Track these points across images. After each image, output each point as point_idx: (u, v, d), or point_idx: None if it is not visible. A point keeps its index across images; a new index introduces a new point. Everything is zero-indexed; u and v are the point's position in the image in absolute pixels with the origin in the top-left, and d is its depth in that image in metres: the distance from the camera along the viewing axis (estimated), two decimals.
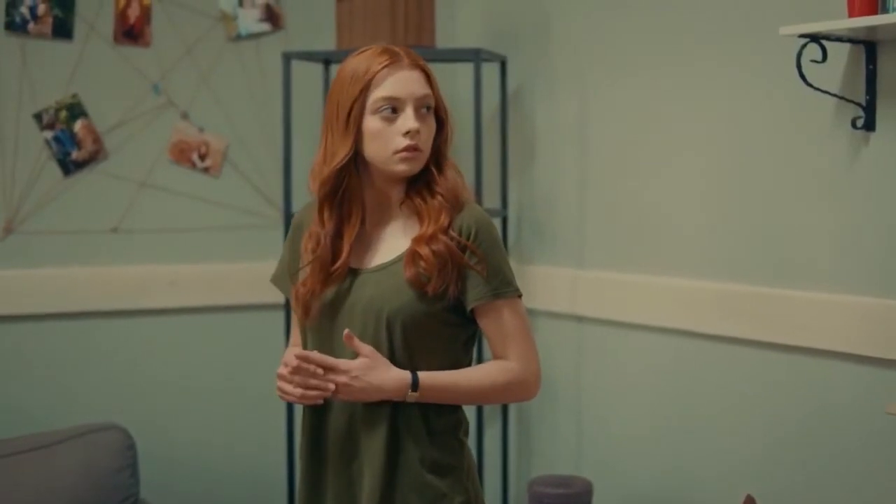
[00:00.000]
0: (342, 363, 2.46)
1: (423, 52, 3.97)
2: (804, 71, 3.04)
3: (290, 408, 4.03)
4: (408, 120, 2.48)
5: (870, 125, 3.05)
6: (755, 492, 3.19)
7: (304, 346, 2.62)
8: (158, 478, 4.04)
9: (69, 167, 4.09)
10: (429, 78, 2.55)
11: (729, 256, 3.49)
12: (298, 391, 2.47)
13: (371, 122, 2.49)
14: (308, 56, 4.08)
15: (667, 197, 3.69)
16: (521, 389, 2.62)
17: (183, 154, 4.24)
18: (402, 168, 2.51)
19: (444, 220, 2.52)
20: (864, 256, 3.12)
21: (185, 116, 4.24)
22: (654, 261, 3.74)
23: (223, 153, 4.29)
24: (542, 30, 4.14)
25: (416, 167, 2.53)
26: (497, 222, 4.15)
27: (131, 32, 4.15)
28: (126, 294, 4.18)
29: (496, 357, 2.59)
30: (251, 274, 4.19)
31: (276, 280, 2.76)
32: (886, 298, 3.04)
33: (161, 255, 4.23)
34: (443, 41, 4.26)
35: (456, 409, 2.61)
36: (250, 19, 4.29)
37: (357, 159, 2.53)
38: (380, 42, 3.82)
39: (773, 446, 3.37)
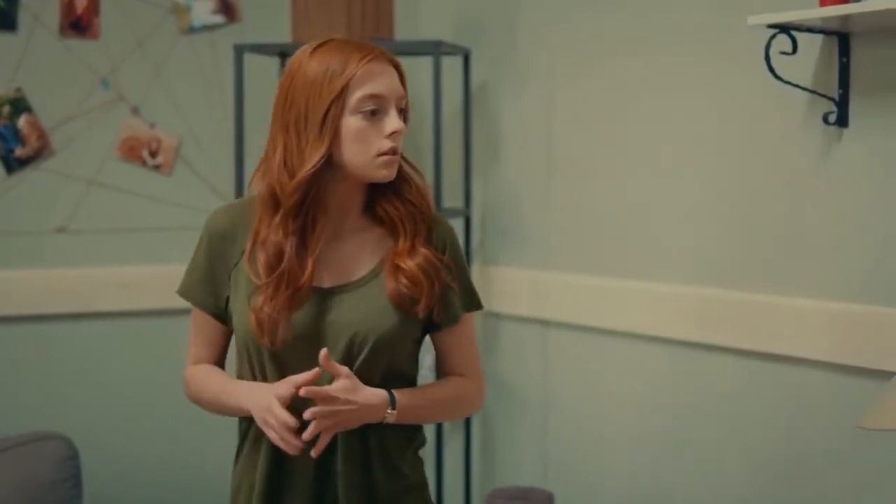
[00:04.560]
0: (332, 390, 2.25)
1: (380, 44, 3.83)
2: (773, 64, 2.93)
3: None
4: (392, 120, 2.31)
5: (842, 121, 2.94)
6: None
7: (253, 370, 2.39)
8: (104, 490, 3.91)
9: (12, 164, 3.96)
10: (402, 76, 2.38)
11: (697, 258, 3.38)
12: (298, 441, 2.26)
13: (352, 123, 2.29)
14: (261, 49, 3.93)
15: (634, 196, 3.59)
16: (474, 404, 2.57)
17: (133, 151, 4.10)
18: (382, 173, 2.32)
19: (422, 230, 2.39)
20: (837, 259, 3.00)
21: (135, 112, 4.11)
22: (621, 263, 3.64)
23: (175, 150, 4.15)
24: (508, 22, 4.02)
25: (394, 172, 2.35)
26: (460, 223, 4.07)
27: (78, 24, 4.01)
28: (73, 297, 4.05)
29: (448, 370, 2.50)
30: None
31: (189, 293, 2.47)
32: (860, 303, 2.93)
33: (110, 256, 4.10)
34: (405, 32, 4.12)
35: (421, 427, 2.50)
36: (204, 11, 4.16)
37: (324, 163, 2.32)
38: (337, 33, 3.73)
39: (745, 457, 3.25)
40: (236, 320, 2.39)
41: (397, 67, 2.37)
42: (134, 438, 4.12)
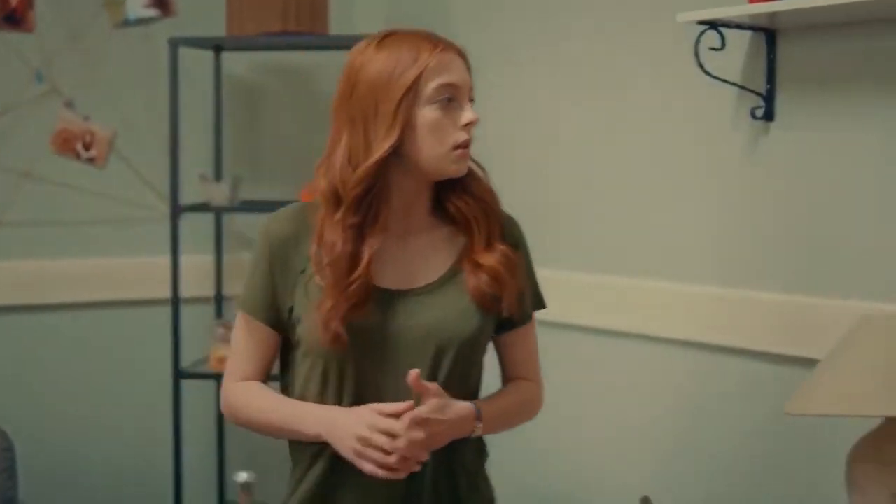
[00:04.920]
0: (426, 413, 2.16)
1: (314, 39, 3.88)
2: (702, 59, 2.97)
3: (177, 409, 3.91)
4: (467, 111, 2.22)
5: (769, 115, 3.01)
6: (655, 495, 3.12)
7: (326, 378, 2.28)
8: (39, 481, 3.90)
9: None
10: (469, 67, 2.28)
11: (628, 251, 3.43)
12: (393, 458, 2.15)
13: (427, 113, 2.19)
14: (196, 42, 3.94)
15: (565, 192, 3.62)
16: (535, 408, 2.50)
17: (67, 144, 4.08)
18: (455, 168, 2.23)
19: (496, 227, 2.32)
20: (768, 250, 3.06)
21: (69, 105, 4.08)
22: (551, 256, 3.62)
23: (109, 143, 4.13)
24: (440, 16, 4.04)
25: (466, 167, 2.26)
26: None
27: (13, 17, 3.98)
28: (6, 290, 4.01)
29: (512, 374, 2.46)
30: (138, 269, 4.14)
31: (254, 309, 2.31)
32: (788, 294, 2.99)
33: (44, 249, 4.07)
34: (339, 27, 4.14)
35: (484, 439, 2.41)
36: (138, 4, 4.14)
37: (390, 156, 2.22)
38: (270, 27, 3.76)
39: (674, 446, 3.31)
40: (304, 327, 2.27)
41: (464, 58, 2.28)
42: (71, 431, 4.10)
